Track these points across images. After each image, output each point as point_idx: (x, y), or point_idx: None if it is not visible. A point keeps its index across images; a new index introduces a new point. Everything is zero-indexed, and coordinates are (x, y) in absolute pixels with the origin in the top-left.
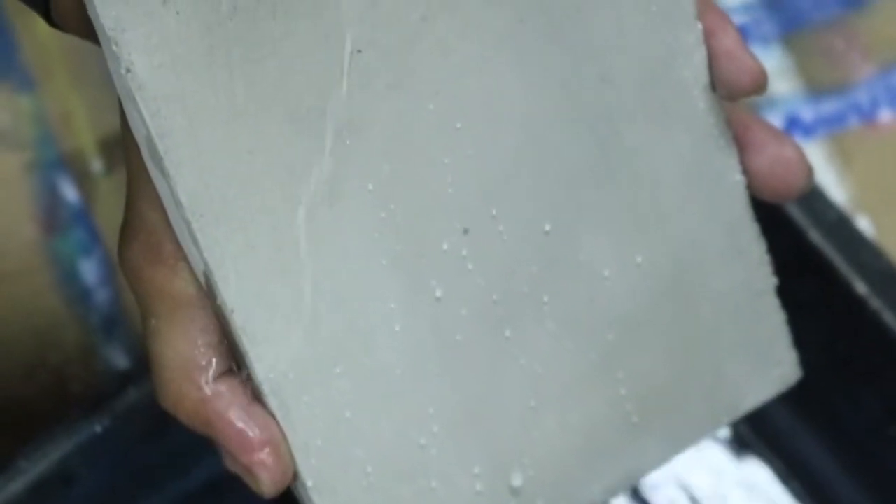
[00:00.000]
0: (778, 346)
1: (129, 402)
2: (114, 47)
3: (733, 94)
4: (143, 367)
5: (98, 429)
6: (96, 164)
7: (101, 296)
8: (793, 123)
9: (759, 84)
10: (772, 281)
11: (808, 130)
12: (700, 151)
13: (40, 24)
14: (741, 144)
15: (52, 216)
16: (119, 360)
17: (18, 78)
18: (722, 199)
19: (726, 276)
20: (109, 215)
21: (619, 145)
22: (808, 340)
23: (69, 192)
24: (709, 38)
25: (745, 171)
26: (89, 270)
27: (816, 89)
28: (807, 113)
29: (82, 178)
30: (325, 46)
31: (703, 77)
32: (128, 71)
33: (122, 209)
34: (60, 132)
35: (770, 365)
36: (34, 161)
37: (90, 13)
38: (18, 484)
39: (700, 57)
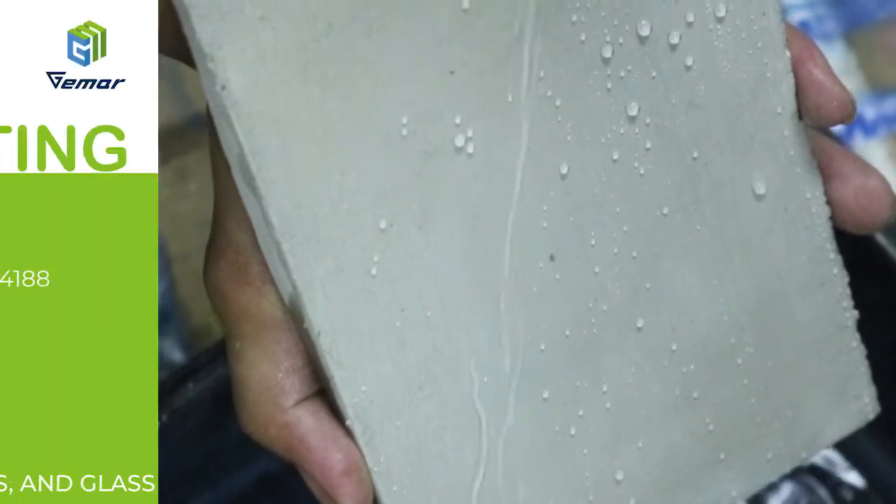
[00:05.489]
0: (857, 380)
1: (186, 398)
2: (209, 64)
3: (820, 122)
4: (198, 361)
5: None
6: None
7: None
8: (854, 122)
9: (847, 113)
10: (853, 314)
11: (870, 129)
12: (785, 180)
13: None
14: (825, 174)
15: None
16: (173, 353)
17: None
18: (806, 230)
19: (808, 307)
20: (162, 208)
21: (705, 172)
22: (872, 345)
23: None
24: (797, 65)
25: (829, 201)
26: None
27: (878, 87)
28: (868, 111)
29: None
30: (418, 66)
31: (790, 105)
32: (223, 88)
33: (175, 202)
34: None
35: (849, 399)
36: None
37: (185, 30)
38: None
39: (788, 85)
